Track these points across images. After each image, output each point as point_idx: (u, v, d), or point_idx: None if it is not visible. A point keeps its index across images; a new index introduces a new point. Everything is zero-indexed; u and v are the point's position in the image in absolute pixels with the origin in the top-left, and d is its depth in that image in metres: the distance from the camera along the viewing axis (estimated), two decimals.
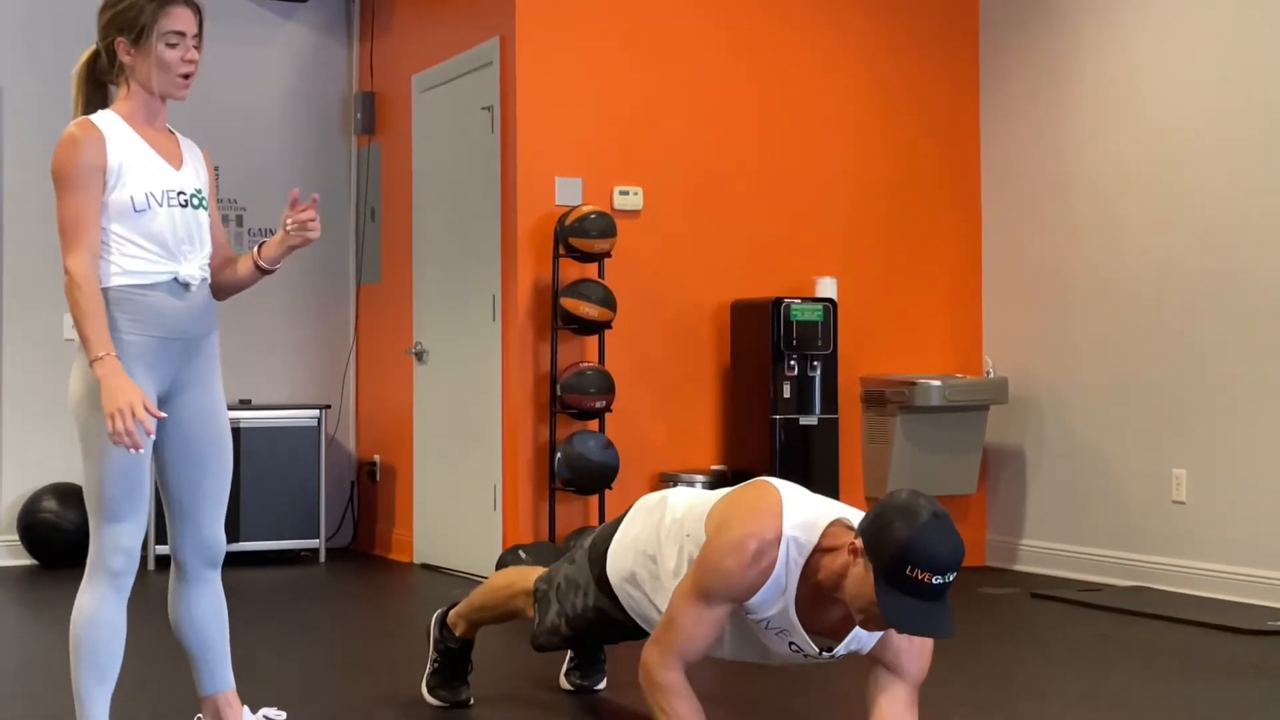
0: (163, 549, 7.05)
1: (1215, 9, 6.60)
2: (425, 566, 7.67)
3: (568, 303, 6.65)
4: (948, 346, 7.72)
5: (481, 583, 4.48)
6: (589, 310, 6.64)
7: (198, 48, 3.51)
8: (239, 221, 8.20)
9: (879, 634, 3.48)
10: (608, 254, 6.73)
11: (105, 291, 3.38)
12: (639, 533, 3.91)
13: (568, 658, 4.59)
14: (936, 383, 7.14)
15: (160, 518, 3.53)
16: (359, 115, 8.44)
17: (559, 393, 6.71)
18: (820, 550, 3.43)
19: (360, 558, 8.16)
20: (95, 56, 3.54)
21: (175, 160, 3.54)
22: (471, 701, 4.36)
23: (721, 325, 7.19)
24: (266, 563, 7.74)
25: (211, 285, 3.60)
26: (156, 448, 3.50)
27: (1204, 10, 6.65)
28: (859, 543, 3.29)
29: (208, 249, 3.58)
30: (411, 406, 7.87)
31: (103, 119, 3.46)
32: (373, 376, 8.45)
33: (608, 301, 6.67)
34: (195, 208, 3.53)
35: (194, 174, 3.57)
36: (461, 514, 7.34)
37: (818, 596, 3.46)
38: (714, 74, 7.27)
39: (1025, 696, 4.73)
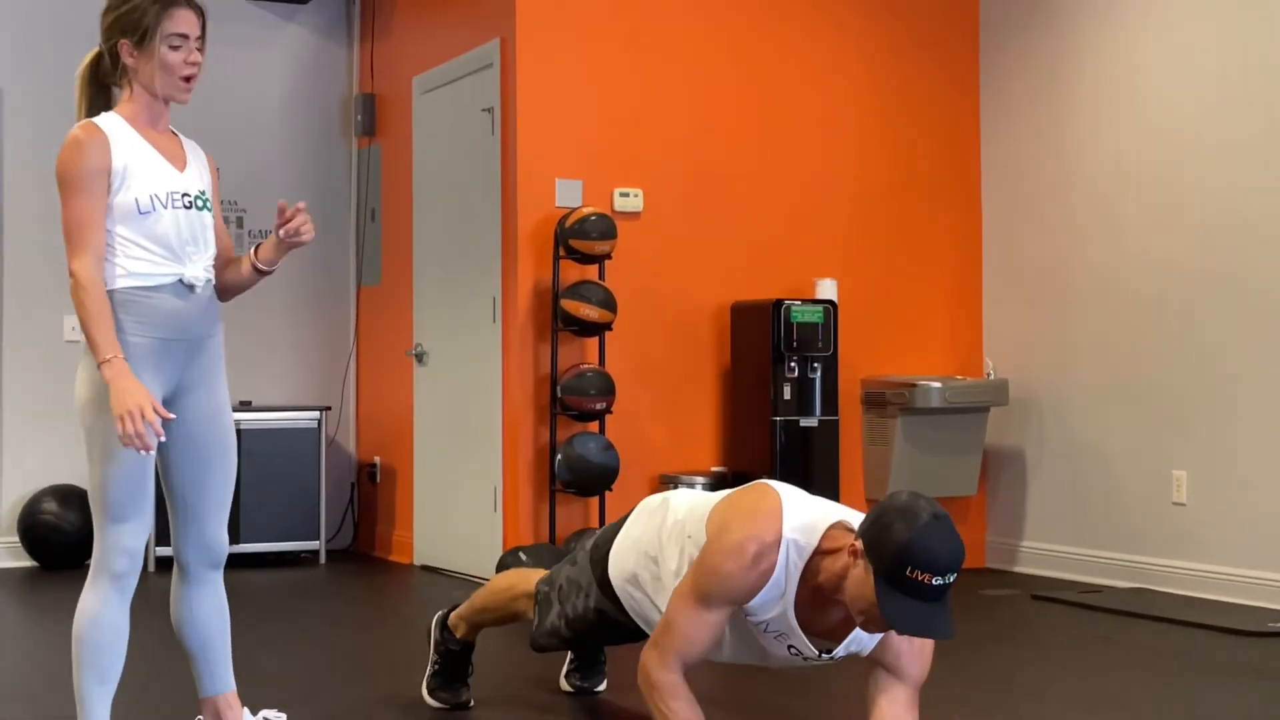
0: (163, 550, 7.05)
1: (1215, 9, 6.61)
2: (425, 568, 7.66)
3: (568, 304, 6.66)
4: (948, 348, 7.72)
5: (482, 585, 4.48)
6: (589, 312, 6.64)
7: (200, 50, 3.51)
8: (239, 223, 8.21)
9: (879, 635, 3.48)
10: (608, 256, 6.73)
11: (110, 294, 3.39)
12: (641, 534, 3.91)
13: (568, 659, 4.59)
14: (937, 384, 7.14)
15: (162, 519, 3.53)
16: (359, 117, 8.44)
17: (559, 394, 6.71)
18: (820, 553, 3.43)
19: (360, 559, 8.16)
20: (98, 58, 3.55)
21: (179, 162, 3.54)
22: (471, 703, 4.36)
23: (722, 327, 7.19)
24: (266, 564, 7.74)
25: (215, 286, 3.62)
26: (161, 448, 3.51)
27: (1204, 10, 6.65)
28: (859, 544, 3.29)
29: (212, 250, 3.59)
30: (412, 408, 7.87)
31: (107, 121, 3.46)
32: (373, 378, 8.45)
33: (608, 303, 6.67)
34: (199, 209, 3.54)
35: (197, 176, 3.58)
36: (462, 516, 7.34)
37: (818, 599, 3.46)
38: (714, 76, 7.27)
39: (1025, 698, 4.73)
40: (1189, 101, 6.71)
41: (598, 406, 6.67)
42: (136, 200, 3.42)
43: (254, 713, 3.82)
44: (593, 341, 6.89)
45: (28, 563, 7.69)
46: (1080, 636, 5.73)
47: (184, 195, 3.50)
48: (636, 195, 7.06)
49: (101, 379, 3.32)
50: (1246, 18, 6.47)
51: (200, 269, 3.53)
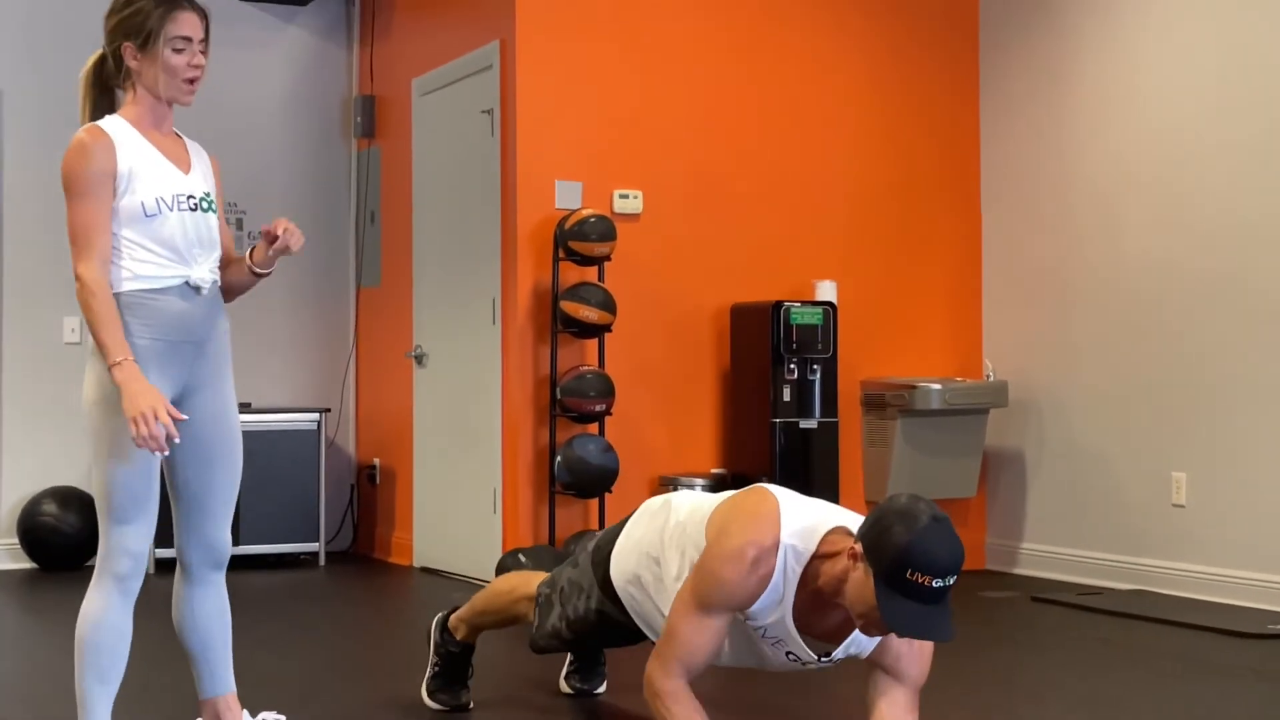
0: (163, 553, 7.05)
1: (1215, 9, 6.61)
2: (425, 570, 7.66)
3: (567, 306, 6.65)
4: (948, 349, 7.72)
5: (482, 587, 4.48)
6: (589, 313, 6.64)
7: (204, 53, 3.52)
8: (239, 225, 8.21)
9: (878, 637, 3.48)
10: (607, 257, 6.73)
11: (116, 296, 3.40)
12: (643, 535, 3.91)
13: (567, 661, 4.58)
14: (936, 386, 7.14)
15: (162, 520, 3.53)
16: (359, 119, 8.44)
17: (559, 396, 6.70)
18: (819, 557, 3.43)
19: (360, 561, 8.16)
20: (102, 61, 3.56)
21: (184, 164, 3.55)
22: (471, 705, 4.36)
23: (721, 329, 7.19)
24: (266, 566, 7.74)
25: (220, 287, 3.62)
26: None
27: (1204, 10, 6.65)
28: (859, 547, 3.29)
29: (217, 252, 3.60)
30: (411, 410, 7.86)
31: (111, 124, 3.47)
32: (372, 380, 8.44)
33: (607, 305, 6.66)
34: (205, 211, 3.55)
35: (202, 177, 3.59)
36: (461, 517, 7.34)
37: (817, 602, 3.46)
38: (714, 77, 7.27)
39: (1025, 700, 4.73)
40: (1189, 101, 6.71)
41: (597, 408, 6.67)
42: (142, 203, 3.43)
43: (253, 714, 3.83)
44: (592, 343, 6.89)
45: (27, 565, 7.69)
46: (1080, 638, 5.73)
47: (189, 197, 3.51)
48: (636, 197, 7.06)
49: (110, 381, 3.34)
50: (1246, 18, 6.47)
51: (206, 270, 3.54)
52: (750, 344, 7.00)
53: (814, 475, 6.85)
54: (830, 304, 7.03)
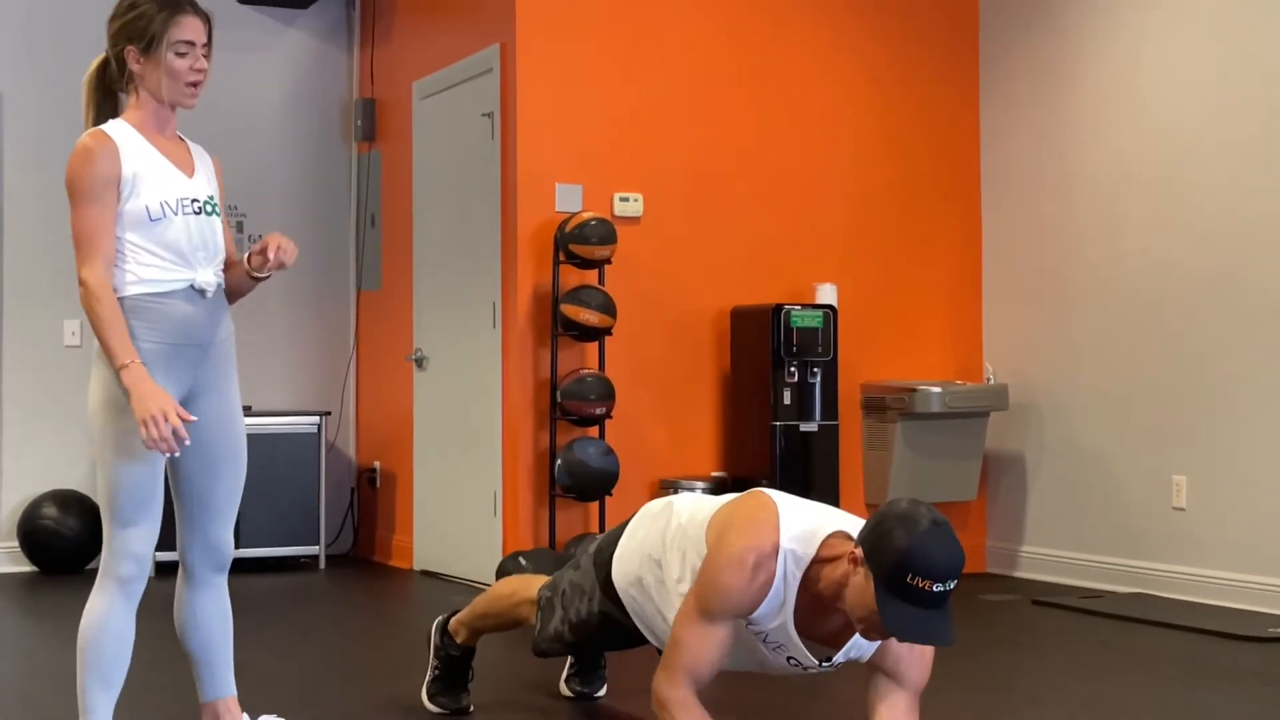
0: (163, 555, 7.03)
1: (1215, 9, 6.61)
2: (425, 573, 7.66)
3: (568, 309, 6.65)
4: (948, 352, 7.72)
5: (482, 590, 4.48)
6: (589, 317, 6.63)
7: (207, 56, 3.53)
8: (240, 228, 8.21)
9: (878, 642, 3.47)
10: (608, 260, 6.73)
11: (121, 300, 3.41)
12: (645, 537, 3.91)
13: (568, 665, 4.58)
14: (937, 389, 7.14)
15: (165, 523, 3.54)
16: (359, 122, 8.44)
17: (559, 399, 6.70)
18: (819, 561, 3.43)
19: (360, 564, 8.16)
20: (105, 64, 3.56)
21: (187, 168, 3.56)
22: (471, 708, 4.36)
23: (721, 332, 7.19)
24: (267, 569, 7.74)
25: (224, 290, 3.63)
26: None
27: (1204, 10, 6.65)
28: (859, 552, 3.29)
29: (221, 255, 3.60)
30: (412, 413, 7.86)
31: (115, 129, 3.48)
32: (373, 383, 8.44)
33: (608, 308, 6.66)
34: (209, 214, 3.55)
35: (205, 181, 3.59)
36: (461, 520, 7.34)
37: (817, 606, 3.46)
38: (713, 80, 7.27)
39: (1026, 704, 4.73)
40: (1189, 101, 6.71)
41: (597, 411, 6.66)
42: (147, 207, 3.44)
43: (254, 717, 3.83)
44: (592, 346, 6.89)
45: (27, 568, 7.69)
46: (1080, 641, 5.73)
47: (193, 201, 3.52)
48: (636, 200, 7.06)
49: (116, 384, 3.35)
50: (1246, 18, 6.47)
51: (210, 274, 3.54)
52: (750, 347, 6.99)
53: (814, 478, 6.85)
54: (831, 307, 7.02)
